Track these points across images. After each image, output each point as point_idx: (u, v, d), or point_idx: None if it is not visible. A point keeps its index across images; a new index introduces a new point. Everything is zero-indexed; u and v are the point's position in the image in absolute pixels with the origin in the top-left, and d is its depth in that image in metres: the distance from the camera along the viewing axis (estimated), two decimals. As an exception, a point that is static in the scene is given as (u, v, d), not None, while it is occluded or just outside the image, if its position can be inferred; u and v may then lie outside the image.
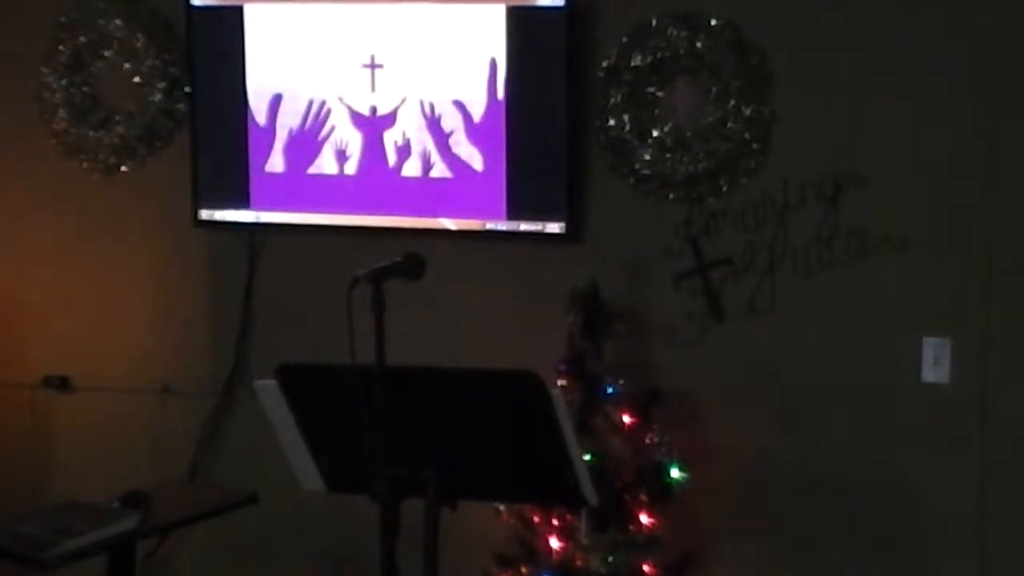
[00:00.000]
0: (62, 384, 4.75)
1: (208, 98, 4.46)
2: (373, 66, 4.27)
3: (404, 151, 4.26)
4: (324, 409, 2.86)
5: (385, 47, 4.25)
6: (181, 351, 4.66)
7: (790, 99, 4.03)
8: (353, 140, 4.31)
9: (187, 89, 4.51)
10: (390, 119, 4.27)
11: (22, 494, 4.73)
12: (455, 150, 4.21)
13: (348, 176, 4.32)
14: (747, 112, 4.05)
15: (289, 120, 4.36)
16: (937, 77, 3.91)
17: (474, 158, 4.20)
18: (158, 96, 4.58)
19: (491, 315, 4.33)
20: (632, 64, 4.12)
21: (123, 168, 4.67)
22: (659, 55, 4.10)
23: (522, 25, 4.13)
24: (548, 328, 4.06)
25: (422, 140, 4.24)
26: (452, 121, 4.21)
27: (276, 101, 4.37)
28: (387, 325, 2.72)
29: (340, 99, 4.31)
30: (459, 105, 4.19)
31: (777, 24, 4.03)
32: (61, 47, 4.66)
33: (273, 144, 4.38)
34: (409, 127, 4.25)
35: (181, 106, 4.57)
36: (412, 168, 4.26)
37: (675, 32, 4.08)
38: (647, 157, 4.14)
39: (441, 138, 4.22)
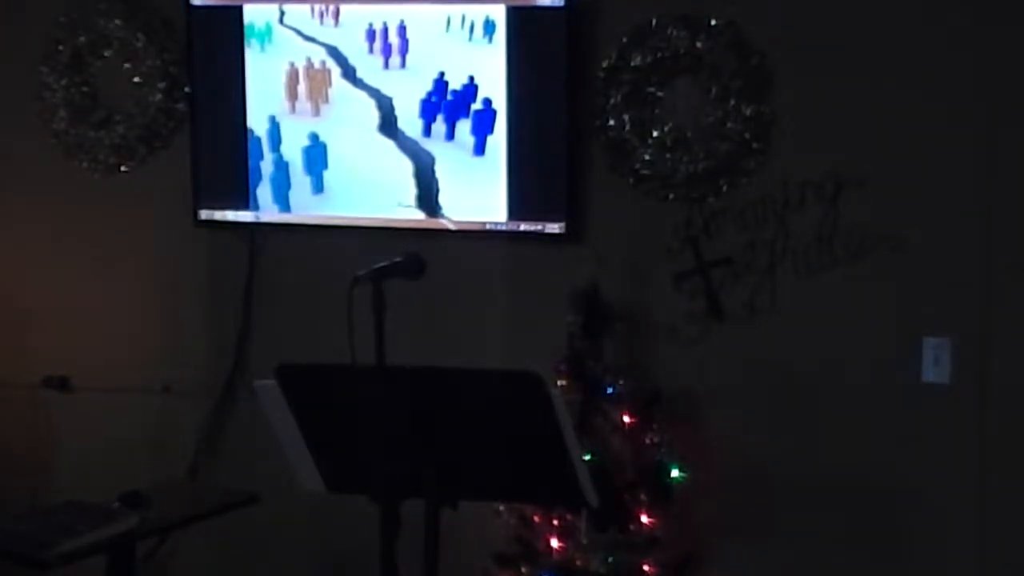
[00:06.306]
0: (62, 384, 4.74)
1: (208, 98, 4.46)
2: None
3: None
4: (324, 409, 2.86)
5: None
6: (181, 351, 4.66)
7: (790, 99, 4.03)
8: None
9: (187, 89, 4.51)
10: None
11: (22, 494, 4.73)
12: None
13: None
14: (747, 112, 4.05)
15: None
16: (937, 77, 3.91)
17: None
18: (158, 96, 4.58)
19: (491, 315, 4.33)
20: (632, 64, 4.12)
21: (123, 168, 4.67)
22: (659, 55, 4.10)
23: (522, 25, 4.13)
24: (548, 328, 4.06)
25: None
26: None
27: None
28: (387, 325, 2.73)
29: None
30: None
31: (777, 24, 4.02)
32: (61, 47, 4.66)
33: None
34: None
35: (181, 106, 4.57)
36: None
37: (675, 32, 4.08)
38: (647, 157, 4.14)
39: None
